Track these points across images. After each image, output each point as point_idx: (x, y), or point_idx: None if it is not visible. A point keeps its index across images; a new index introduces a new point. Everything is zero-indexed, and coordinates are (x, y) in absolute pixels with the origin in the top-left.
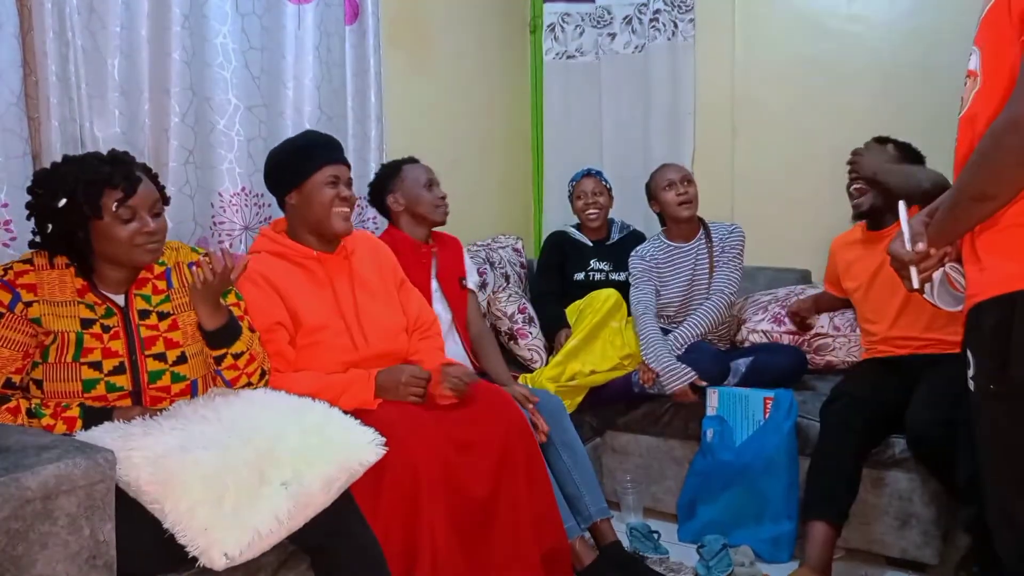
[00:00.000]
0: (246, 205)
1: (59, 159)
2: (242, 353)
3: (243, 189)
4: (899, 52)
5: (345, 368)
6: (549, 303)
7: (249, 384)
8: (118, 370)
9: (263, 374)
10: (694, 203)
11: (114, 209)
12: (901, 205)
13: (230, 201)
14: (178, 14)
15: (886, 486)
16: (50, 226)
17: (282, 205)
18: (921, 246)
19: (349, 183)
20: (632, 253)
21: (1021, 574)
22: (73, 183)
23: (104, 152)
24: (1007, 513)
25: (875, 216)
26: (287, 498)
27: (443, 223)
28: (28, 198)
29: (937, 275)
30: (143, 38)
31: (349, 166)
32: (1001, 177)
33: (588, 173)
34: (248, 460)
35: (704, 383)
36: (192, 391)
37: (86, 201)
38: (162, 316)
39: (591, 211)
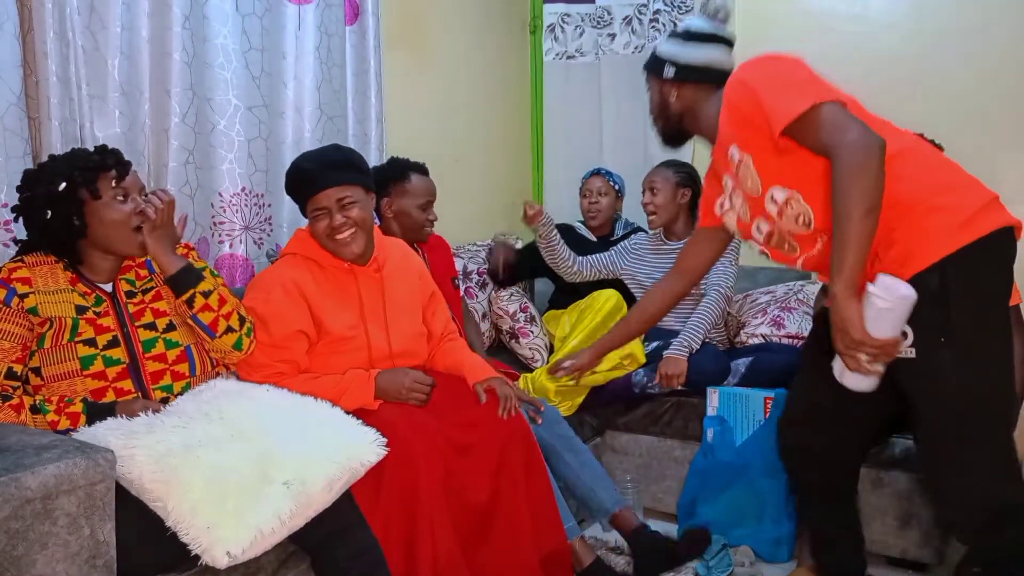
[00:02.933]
0: (246, 205)
1: None
2: (211, 291)
3: (243, 189)
4: (899, 52)
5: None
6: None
7: (230, 330)
8: (112, 343)
9: (243, 320)
10: (658, 213)
11: (111, 187)
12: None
13: (230, 201)
14: (178, 14)
15: (886, 486)
16: (49, 212)
17: None
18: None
19: (344, 205)
20: (634, 236)
21: (966, 523)
22: (69, 169)
23: None
24: (972, 464)
25: None
26: (289, 497)
27: (424, 242)
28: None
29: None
30: (143, 38)
31: (348, 181)
32: (878, 186)
33: (597, 172)
34: (251, 459)
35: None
36: (188, 358)
37: (84, 183)
38: (147, 291)
39: (592, 211)
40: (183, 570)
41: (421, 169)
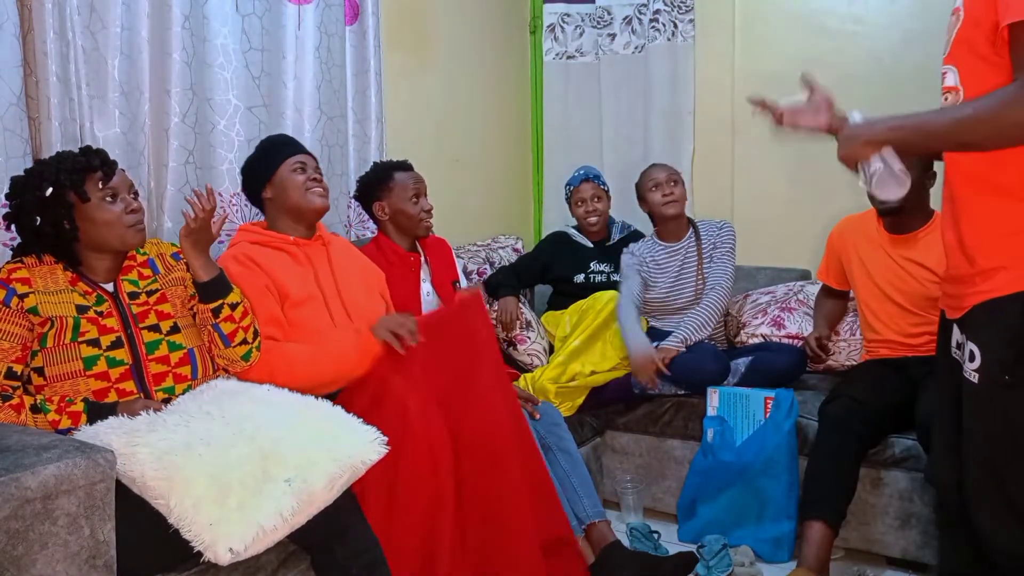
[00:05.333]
0: (246, 205)
1: None
2: (238, 304)
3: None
4: (899, 52)
5: None
6: (505, 275)
7: (245, 342)
8: (116, 344)
9: (256, 333)
10: (680, 202)
11: (99, 189)
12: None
13: (230, 201)
14: (178, 14)
15: (886, 486)
16: (38, 219)
17: (262, 207)
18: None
19: (317, 171)
20: (624, 250)
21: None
22: (55, 173)
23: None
24: (1016, 507)
25: (899, 216)
26: (291, 495)
27: (425, 236)
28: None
29: (877, 164)
30: (143, 38)
31: (315, 158)
32: (998, 140)
33: (586, 178)
34: (252, 457)
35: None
36: (191, 361)
37: (72, 186)
38: (151, 293)
39: (591, 217)
40: (183, 570)
41: (402, 165)
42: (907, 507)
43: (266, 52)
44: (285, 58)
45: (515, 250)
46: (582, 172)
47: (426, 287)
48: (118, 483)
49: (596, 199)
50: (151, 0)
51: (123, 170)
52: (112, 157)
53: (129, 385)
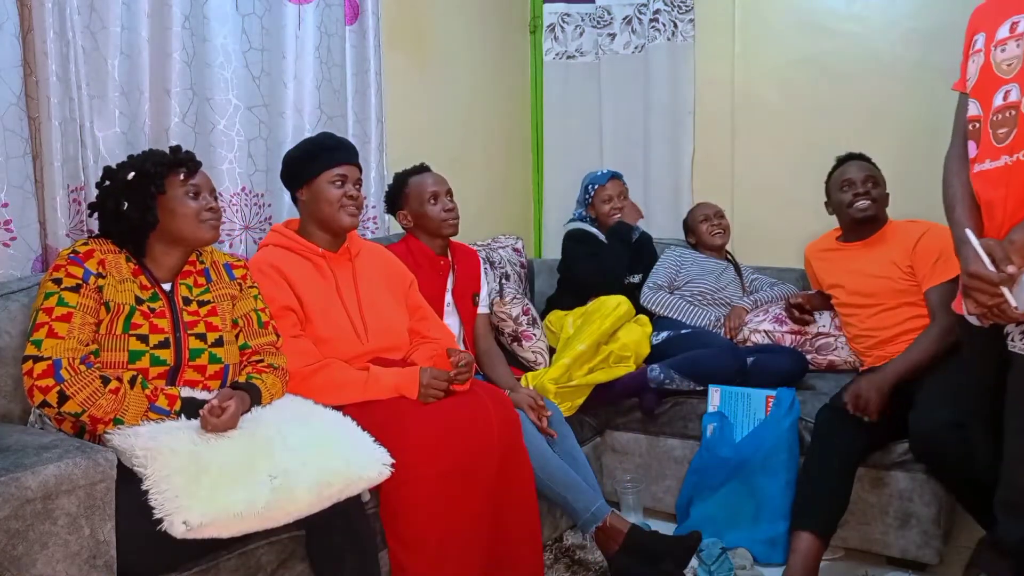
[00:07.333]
0: (246, 205)
1: (59, 159)
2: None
3: (243, 189)
4: (899, 52)
5: (347, 359)
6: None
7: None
8: (163, 345)
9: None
10: (726, 233)
11: (180, 183)
12: (969, 231)
13: (230, 201)
14: (178, 14)
15: (886, 486)
16: (126, 203)
17: (296, 201)
18: (1012, 268)
19: (358, 183)
20: (669, 248)
21: None
22: (142, 163)
23: (104, 151)
24: None
25: (871, 224)
26: (269, 490)
27: (453, 235)
28: (30, 197)
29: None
30: (143, 38)
31: (360, 168)
32: None
33: (614, 176)
34: (241, 447)
35: None
36: (223, 376)
37: (156, 177)
38: (202, 304)
39: (617, 215)
40: (183, 570)
41: (418, 170)
42: (907, 507)
43: (266, 52)
44: (285, 58)
45: (515, 250)
46: (608, 171)
47: (448, 296)
48: (118, 483)
49: (624, 197)
50: (151, 0)
51: (205, 172)
52: (121, 158)
53: (162, 384)
